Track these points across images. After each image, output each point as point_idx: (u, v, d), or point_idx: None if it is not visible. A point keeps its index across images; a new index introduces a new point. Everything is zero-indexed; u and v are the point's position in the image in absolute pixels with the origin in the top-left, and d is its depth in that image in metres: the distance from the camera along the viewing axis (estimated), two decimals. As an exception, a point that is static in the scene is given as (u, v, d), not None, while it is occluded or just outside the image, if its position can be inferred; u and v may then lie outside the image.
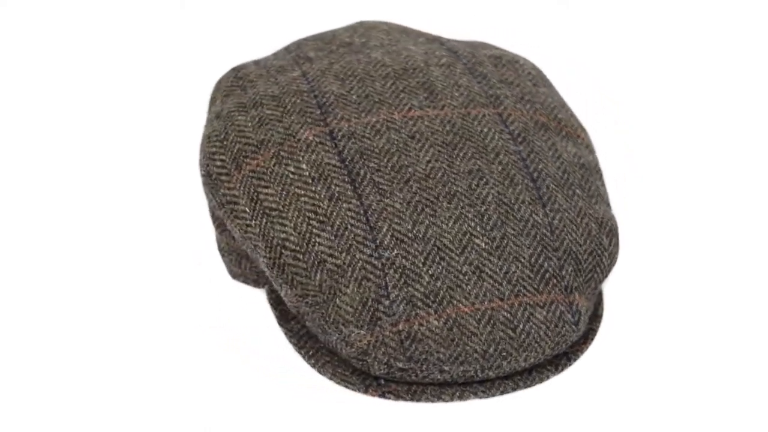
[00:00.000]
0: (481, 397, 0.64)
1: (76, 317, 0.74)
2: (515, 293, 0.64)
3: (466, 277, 0.63)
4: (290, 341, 0.69)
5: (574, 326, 0.65)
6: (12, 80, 1.00)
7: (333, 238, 0.65)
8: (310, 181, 0.67)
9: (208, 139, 0.73)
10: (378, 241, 0.64)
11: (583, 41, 1.04)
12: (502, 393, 0.64)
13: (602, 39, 1.04)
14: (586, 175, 0.72)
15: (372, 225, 0.65)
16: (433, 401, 0.64)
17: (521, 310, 0.63)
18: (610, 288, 0.75)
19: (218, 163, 0.70)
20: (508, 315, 0.63)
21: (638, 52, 1.03)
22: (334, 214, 0.65)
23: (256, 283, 0.73)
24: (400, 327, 0.62)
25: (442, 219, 0.65)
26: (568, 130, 0.75)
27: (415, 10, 1.06)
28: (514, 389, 0.64)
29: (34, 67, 1.02)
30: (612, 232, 0.70)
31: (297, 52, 0.80)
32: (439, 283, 0.63)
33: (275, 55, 0.82)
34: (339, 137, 0.69)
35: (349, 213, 0.65)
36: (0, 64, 1.02)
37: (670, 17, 1.07)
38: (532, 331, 0.63)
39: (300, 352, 0.68)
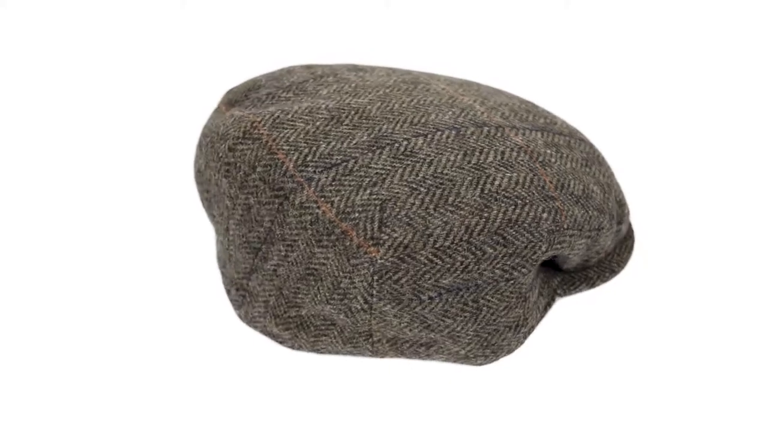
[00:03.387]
0: None
1: (79, 316, 0.74)
2: None
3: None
4: (592, 286, 0.75)
5: None
6: (13, 81, 1.00)
7: (593, 177, 0.73)
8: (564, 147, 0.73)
9: (469, 247, 0.65)
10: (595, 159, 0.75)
11: (583, 41, 1.04)
12: None
13: (602, 39, 1.04)
14: None
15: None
16: None
17: None
18: (609, 287, 0.75)
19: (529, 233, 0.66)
20: None
21: (638, 52, 1.03)
22: (573, 168, 0.72)
23: (545, 308, 0.73)
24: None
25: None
26: None
27: (414, 11, 1.06)
28: None
29: (36, 68, 1.02)
30: None
31: (344, 148, 0.69)
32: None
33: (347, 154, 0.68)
34: (508, 128, 0.71)
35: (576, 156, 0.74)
36: (1, 64, 1.02)
37: (669, 17, 1.07)
38: None
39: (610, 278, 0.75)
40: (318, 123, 0.69)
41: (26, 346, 0.72)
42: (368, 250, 0.64)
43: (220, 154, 0.71)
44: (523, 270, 0.66)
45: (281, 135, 0.69)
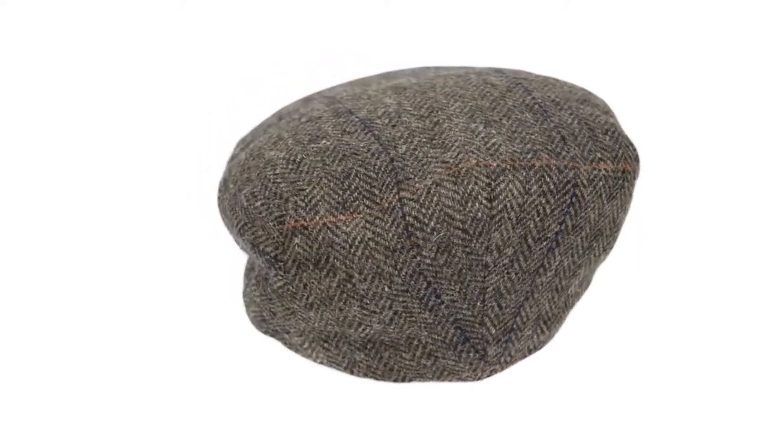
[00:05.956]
0: None
1: (81, 316, 0.74)
2: None
3: None
4: None
5: None
6: (12, 81, 1.00)
7: None
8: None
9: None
10: None
11: (583, 41, 1.04)
12: None
13: (603, 39, 1.04)
14: None
15: None
16: None
17: None
18: (608, 288, 0.75)
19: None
20: None
21: (639, 52, 1.03)
22: None
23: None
24: None
25: None
26: None
27: (414, 11, 1.06)
28: None
29: (35, 68, 1.02)
30: None
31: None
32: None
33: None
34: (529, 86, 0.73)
35: None
36: (0, 64, 1.02)
37: (670, 17, 1.07)
38: None
39: None
40: (494, 127, 0.67)
41: (26, 346, 0.72)
42: (633, 168, 0.69)
43: (474, 212, 0.64)
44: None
45: (505, 152, 0.65)
